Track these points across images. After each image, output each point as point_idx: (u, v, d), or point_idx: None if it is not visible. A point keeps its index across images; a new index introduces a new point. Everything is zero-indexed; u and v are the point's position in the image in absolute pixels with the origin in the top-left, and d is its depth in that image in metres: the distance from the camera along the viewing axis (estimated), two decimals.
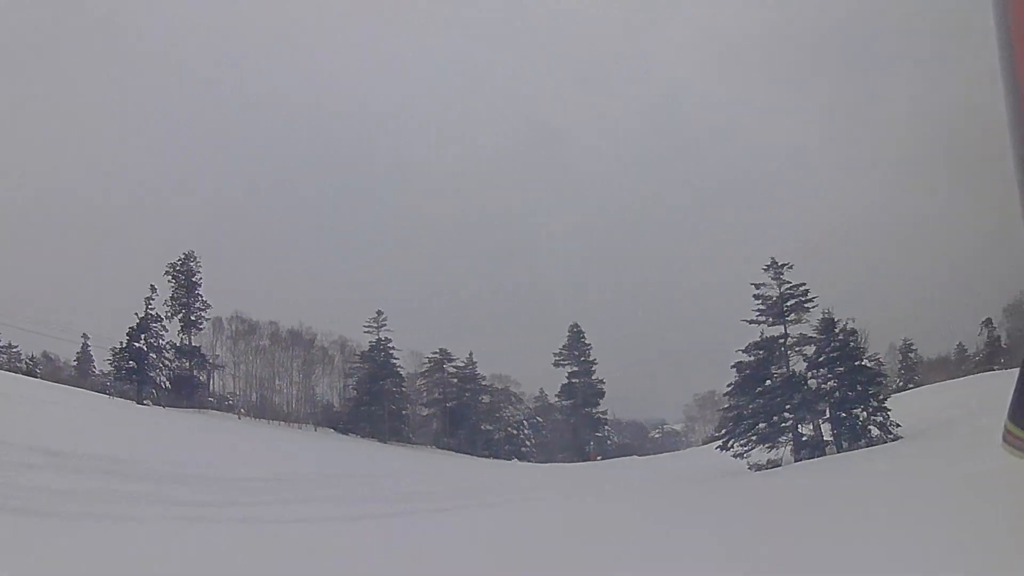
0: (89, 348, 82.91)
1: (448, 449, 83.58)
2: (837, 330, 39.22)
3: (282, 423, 75.56)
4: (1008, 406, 2.42)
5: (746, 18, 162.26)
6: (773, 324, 41.00)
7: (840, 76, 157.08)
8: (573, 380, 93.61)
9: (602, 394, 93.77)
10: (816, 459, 35.48)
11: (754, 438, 37.73)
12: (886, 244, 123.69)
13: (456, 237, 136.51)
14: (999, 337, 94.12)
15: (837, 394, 37.59)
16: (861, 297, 73.52)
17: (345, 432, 78.37)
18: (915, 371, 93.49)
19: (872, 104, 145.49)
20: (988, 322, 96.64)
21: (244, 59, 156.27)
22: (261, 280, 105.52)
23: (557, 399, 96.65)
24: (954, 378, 75.51)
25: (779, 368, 40.07)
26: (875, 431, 36.29)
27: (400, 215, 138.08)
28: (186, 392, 72.52)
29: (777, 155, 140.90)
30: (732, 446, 37.91)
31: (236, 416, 72.95)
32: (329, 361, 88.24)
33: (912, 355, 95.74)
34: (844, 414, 37.30)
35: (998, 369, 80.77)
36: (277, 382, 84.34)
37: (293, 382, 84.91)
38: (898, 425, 35.71)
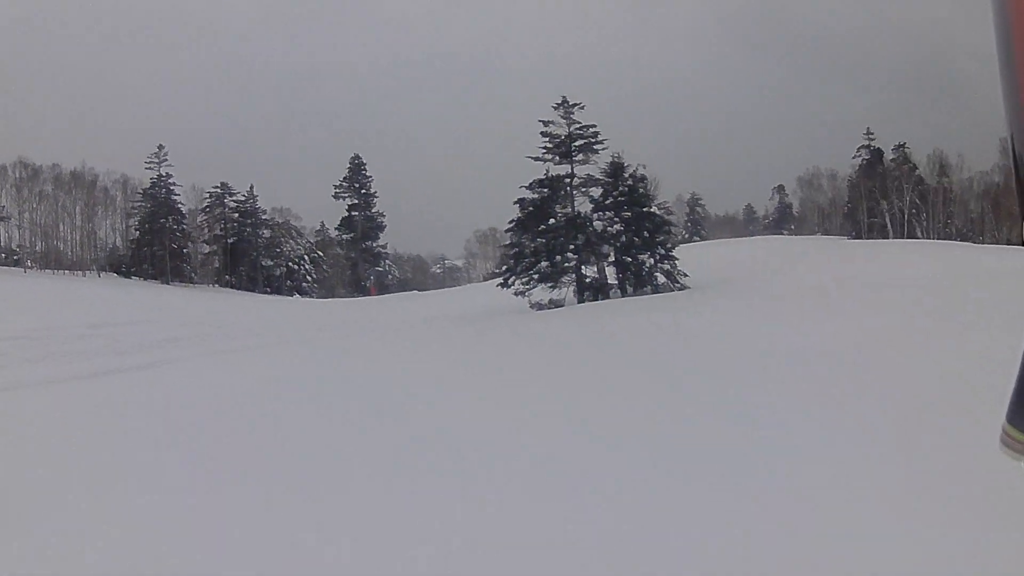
0: None
1: (229, 287, 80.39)
2: (626, 175, 36.56)
3: (67, 272, 71.42)
4: (1006, 408, 1.30)
5: None
6: (560, 163, 37.77)
7: None
8: (353, 213, 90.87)
9: (382, 227, 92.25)
10: (600, 301, 32.99)
11: (535, 276, 34.90)
12: (685, 102, 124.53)
13: (239, 69, 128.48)
14: (791, 204, 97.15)
15: (623, 238, 35.20)
16: (654, 148, 71.76)
17: (128, 276, 74.84)
18: (701, 225, 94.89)
19: None
20: (780, 188, 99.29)
21: None
22: (44, 122, 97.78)
23: (337, 233, 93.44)
24: (740, 237, 76.40)
25: (564, 208, 37.12)
26: (662, 279, 34.34)
27: (182, 51, 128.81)
28: None
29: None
30: (513, 284, 35.01)
31: (23, 271, 67.21)
32: (111, 202, 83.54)
33: (700, 209, 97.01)
34: (630, 259, 35.01)
35: (787, 233, 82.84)
36: (61, 228, 79.84)
37: (76, 227, 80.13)
38: (686, 275, 33.80)
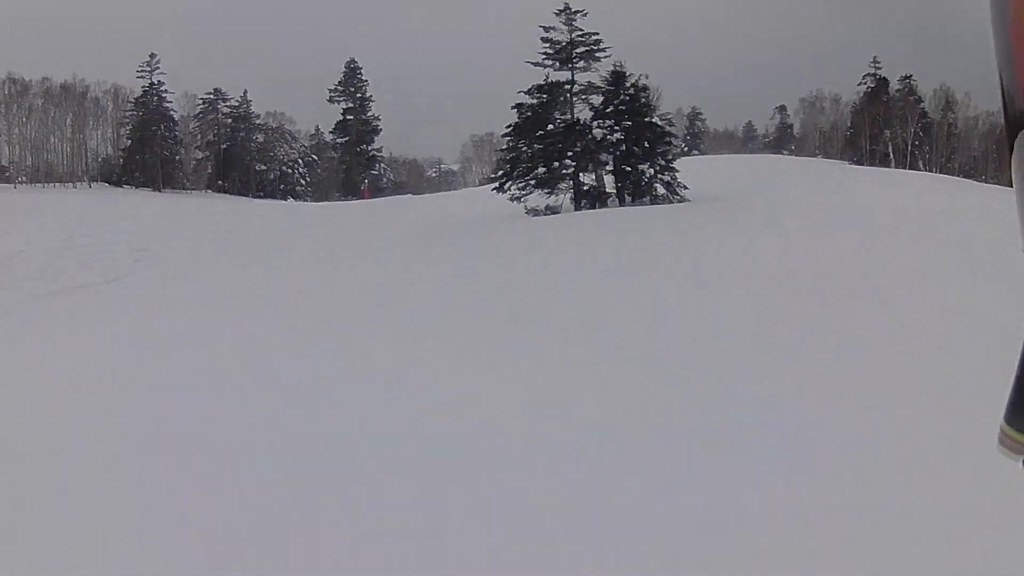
0: None
1: (222, 192, 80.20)
2: (628, 84, 35.50)
3: (57, 185, 71.52)
4: (1004, 407, 1.17)
5: None
6: (560, 69, 36.65)
7: None
8: (348, 117, 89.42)
9: (377, 131, 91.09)
10: (598, 209, 32.29)
11: (532, 182, 34.14)
12: (690, 14, 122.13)
13: None
14: (792, 125, 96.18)
15: (623, 147, 34.34)
16: (657, 59, 69.24)
17: (119, 185, 74.72)
18: (701, 139, 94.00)
19: None
20: (782, 108, 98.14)
21: None
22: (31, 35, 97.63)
23: (332, 136, 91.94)
24: (739, 153, 75.76)
25: (563, 114, 36.13)
26: (661, 190, 33.53)
27: None
28: None
29: None
30: (509, 189, 34.25)
31: (13, 187, 67.28)
32: (102, 112, 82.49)
33: (699, 123, 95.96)
34: (629, 168, 34.17)
35: (787, 154, 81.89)
36: (52, 141, 79.28)
37: (66, 139, 79.61)
38: (686, 187, 32.93)
